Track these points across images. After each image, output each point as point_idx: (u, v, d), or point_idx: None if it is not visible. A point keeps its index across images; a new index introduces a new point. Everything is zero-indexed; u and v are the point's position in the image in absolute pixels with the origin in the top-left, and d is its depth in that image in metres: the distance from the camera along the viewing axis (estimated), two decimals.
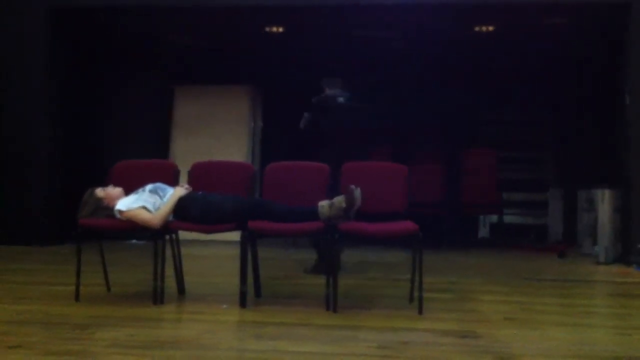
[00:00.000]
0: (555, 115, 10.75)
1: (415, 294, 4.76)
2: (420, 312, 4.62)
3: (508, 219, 9.94)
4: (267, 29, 9.38)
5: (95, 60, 9.42)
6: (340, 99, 7.23)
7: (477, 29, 9.04)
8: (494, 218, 9.89)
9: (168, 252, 5.06)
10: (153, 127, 9.88)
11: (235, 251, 4.93)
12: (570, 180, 9.79)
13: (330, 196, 4.95)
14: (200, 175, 5.35)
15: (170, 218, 4.97)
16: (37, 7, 8.43)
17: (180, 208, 4.97)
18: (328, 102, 7.25)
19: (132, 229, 5.02)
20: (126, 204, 4.93)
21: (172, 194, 5.01)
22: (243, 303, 4.79)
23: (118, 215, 4.93)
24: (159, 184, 5.10)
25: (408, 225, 4.81)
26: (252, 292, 5.12)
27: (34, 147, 8.43)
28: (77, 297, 4.88)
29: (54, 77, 8.58)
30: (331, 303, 4.68)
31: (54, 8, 8.45)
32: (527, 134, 10.95)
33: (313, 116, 7.29)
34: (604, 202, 7.60)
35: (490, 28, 9.00)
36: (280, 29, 9.39)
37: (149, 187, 5.05)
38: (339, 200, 4.83)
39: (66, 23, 8.69)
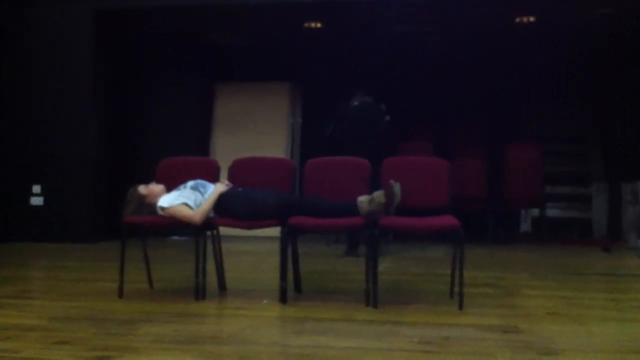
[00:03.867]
0: (599, 108, 10.57)
1: (456, 289, 4.73)
2: (460, 307, 4.59)
3: (551, 212, 9.80)
4: (306, 25, 9.40)
5: (138, 60, 9.56)
6: (356, 104, 7.29)
7: (517, 20, 8.93)
8: (536, 212, 9.76)
9: (209, 248, 5.11)
10: (194, 125, 9.98)
11: (276, 247, 4.95)
12: (614, 174, 9.62)
13: (371, 191, 4.94)
14: (241, 171, 5.38)
15: (211, 214, 5.01)
16: (82, 9, 8.58)
17: (221, 204, 5.01)
18: (348, 110, 7.32)
19: (174, 226, 5.09)
20: (168, 200, 4.98)
21: (213, 190, 5.05)
22: (284, 299, 4.81)
23: (160, 212, 4.99)
24: (199, 181, 5.15)
25: (449, 220, 4.77)
26: (292, 287, 5.14)
27: (78, 146, 8.59)
28: (120, 294, 4.96)
29: (99, 77, 8.74)
30: (371, 298, 4.68)
31: (98, 10, 8.60)
32: (571, 127, 10.78)
33: (335, 124, 7.37)
34: None
35: (532, 19, 8.88)
36: (319, 25, 9.39)
37: (190, 183, 5.10)
38: (379, 195, 4.82)
39: (110, 24, 8.85)
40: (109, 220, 7.99)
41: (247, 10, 8.60)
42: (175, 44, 9.75)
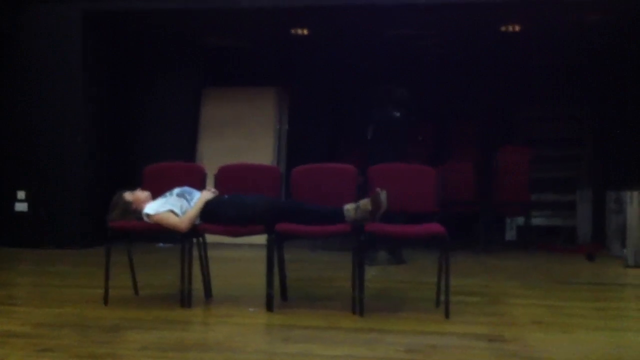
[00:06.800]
0: (586, 115, 10.63)
1: (443, 297, 4.74)
2: (446, 315, 4.60)
3: (535, 220, 9.84)
4: (293, 32, 9.40)
5: (126, 64, 9.51)
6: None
7: (503, 29, 8.98)
8: (521, 220, 9.79)
9: (195, 255, 5.09)
10: (182, 130, 9.94)
11: (263, 254, 4.94)
12: (599, 181, 9.68)
13: (359, 197, 4.95)
14: (227, 178, 5.37)
15: (197, 221, 5.00)
16: (70, 10, 8.50)
17: (208, 211, 5.00)
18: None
19: (160, 232, 5.07)
20: (154, 207, 4.97)
21: (199, 197, 5.04)
22: (270, 306, 4.80)
23: (146, 219, 4.97)
24: (186, 188, 5.14)
25: (434, 227, 4.79)
26: (279, 294, 5.13)
27: (66, 151, 8.50)
28: (106, 300, 4.93)
29: (86, 82, 8.66)
30: (358, 306, 4.68)
31: (86, 12, 8.53)
32: (558, 131, 10.80)
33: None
34: (633, 203, 7.50)
35: (517, 28, 8.94)
36: (305, 31, 9.41)
37: (176, 190, 5.09)
38: (365, 203, 4.82)
39: (99, 26, 8.78)
40: (96, 226, 7.93)
41: (235, 14, 8.59)
42: (163, 47, 9.71)
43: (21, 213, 8.53)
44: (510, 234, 10.13)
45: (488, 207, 8.85)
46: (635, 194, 7.52)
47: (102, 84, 8.97)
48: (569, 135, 10.75)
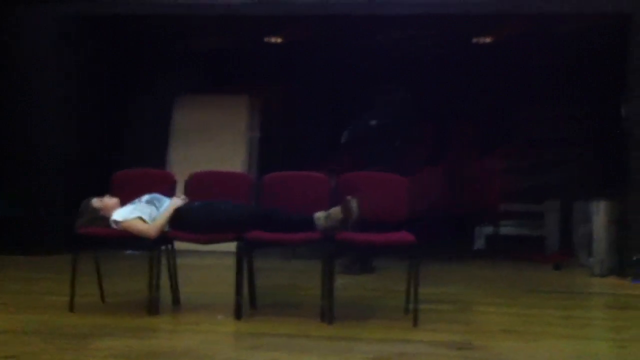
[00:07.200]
0: (555, 128, 10.73)
1: (411, 305, 4.75)
2: (415, 323, 4.61)
3: (504, 230, 9.91)
4: (266, 40, 9.40)
5: (100, 69, 9.36)
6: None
7: (475, 40, 9.06)
8: (490, 229, 9.85)
9: (163, 263, 5.05)
10: (153, 137, 9.85)
11: (232, 261, 4.91)
12: (568, 192, 9.77)
13: (331, 205, 4.94)
14: (198, 185, 5.34)
15: (167, 228, 4.96)
16: (46, 14, 8.34)
17: (178, 218, 4.97)
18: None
19: (128, 239, 5.02)
20: (122, 214, 4.93)
21: (169, 204, 5.01)
22: (239, 314, 4.77)
23: (114, 226, 4.93)
24: (155, 195, 5.10)
25: (404, 235, 4.81)
26: (247, 302, 5.10)
27: (37, 157, 8.35)
28: (71, 307, 4.85)
29: (68, 84, 8.53)
30: (327, 314, 4.67)
31: (64, 17, 8.39)
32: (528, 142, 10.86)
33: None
34: (599, 213, 7.60)
35: (488, 39, 9.03)
36: (279, 40, 9.41)
37: (145, 197, 5.05)
38: (336, 211, 4.82)
39: (73, 31, 8.64)
40: (67, 233, 7.79)
41: (207, 21, 8.56)
42: (137, 53, 9.64)
43: None
44: (479, 243, 10.19)
45: (457, 216, 8.89)
46: (602, 204, 7.62)
47: (75, 90, 8.82)
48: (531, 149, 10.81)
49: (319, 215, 4.85)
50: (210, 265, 7.90)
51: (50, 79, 8.48)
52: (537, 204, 10.06)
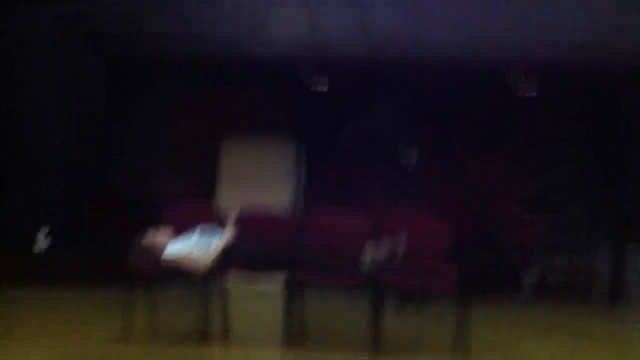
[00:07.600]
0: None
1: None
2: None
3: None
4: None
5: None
6: None
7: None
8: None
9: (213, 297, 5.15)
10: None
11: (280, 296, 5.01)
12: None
13: (372, 241, 5.02)
14: (245, 222, 5.46)
15: (216, 264, 5.07)
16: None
17: (227, 254, 5.09)
18: None
19: (180, 273, 5.14)
20: (175, 249, 5.06)
21: (220, 240, 5.13)
22: (289, 346, 4.89)
23: (167, 259, 5.06)
24: (206, 230, 5.21)
25: (445, 283, 4.95)
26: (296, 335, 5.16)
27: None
28: (125, 338, 4.99)
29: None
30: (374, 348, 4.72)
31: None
32: None
33: None
34: None
35: None
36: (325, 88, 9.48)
37: (196, 232, 5.17)
38: (380, 253, 4.91)
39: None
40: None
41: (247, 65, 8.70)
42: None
43: None
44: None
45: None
46: None
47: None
48: None
49: (363, 258, 4.96)
50: (259, 297, 7.92)
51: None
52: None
